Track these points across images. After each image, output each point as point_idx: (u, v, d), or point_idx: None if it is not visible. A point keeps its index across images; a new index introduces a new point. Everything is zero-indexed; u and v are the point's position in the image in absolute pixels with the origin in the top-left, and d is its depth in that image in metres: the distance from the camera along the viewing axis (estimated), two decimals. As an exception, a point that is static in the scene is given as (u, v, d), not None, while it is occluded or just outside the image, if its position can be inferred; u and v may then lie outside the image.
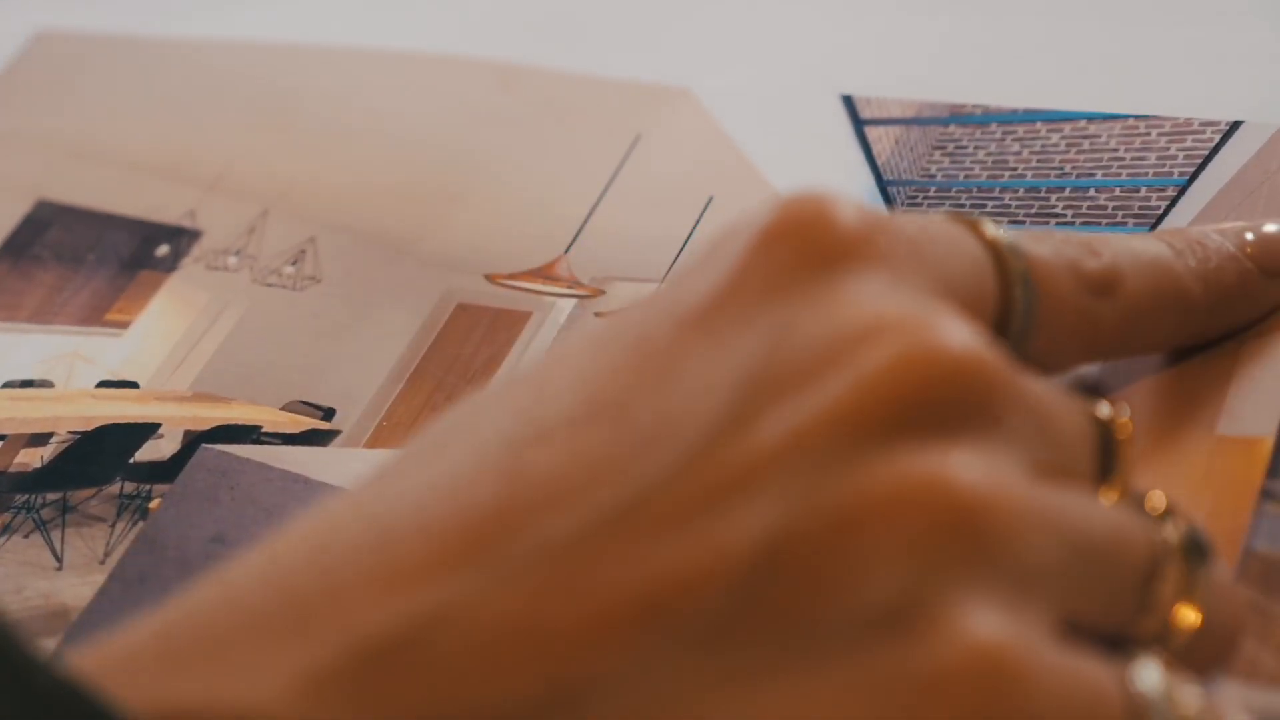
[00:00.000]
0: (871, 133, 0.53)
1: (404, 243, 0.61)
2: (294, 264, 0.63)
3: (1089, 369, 0.25)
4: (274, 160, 0.65)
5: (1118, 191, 0.46)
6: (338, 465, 0.56)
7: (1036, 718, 0.15)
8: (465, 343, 0.58)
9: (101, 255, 0.65)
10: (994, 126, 0.51)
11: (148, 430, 0.57)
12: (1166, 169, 0.45)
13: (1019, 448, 0.17)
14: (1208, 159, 0.44)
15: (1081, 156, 0.48)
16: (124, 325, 0.63)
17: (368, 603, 0.15)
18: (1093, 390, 0.20)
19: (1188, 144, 0.45)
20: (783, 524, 0.15)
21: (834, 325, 0.17)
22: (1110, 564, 0.17)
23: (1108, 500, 0.18)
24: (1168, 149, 0.46)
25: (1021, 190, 0.49)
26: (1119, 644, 0.18)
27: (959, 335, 0.17)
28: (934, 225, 0.20)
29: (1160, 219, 0.44)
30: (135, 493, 0.56)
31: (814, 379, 0.16)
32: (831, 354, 0.16)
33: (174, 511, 0.48)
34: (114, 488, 0.56)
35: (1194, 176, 0.44)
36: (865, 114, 0.52)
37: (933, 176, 0.52)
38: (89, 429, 0.58)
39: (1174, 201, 0.44)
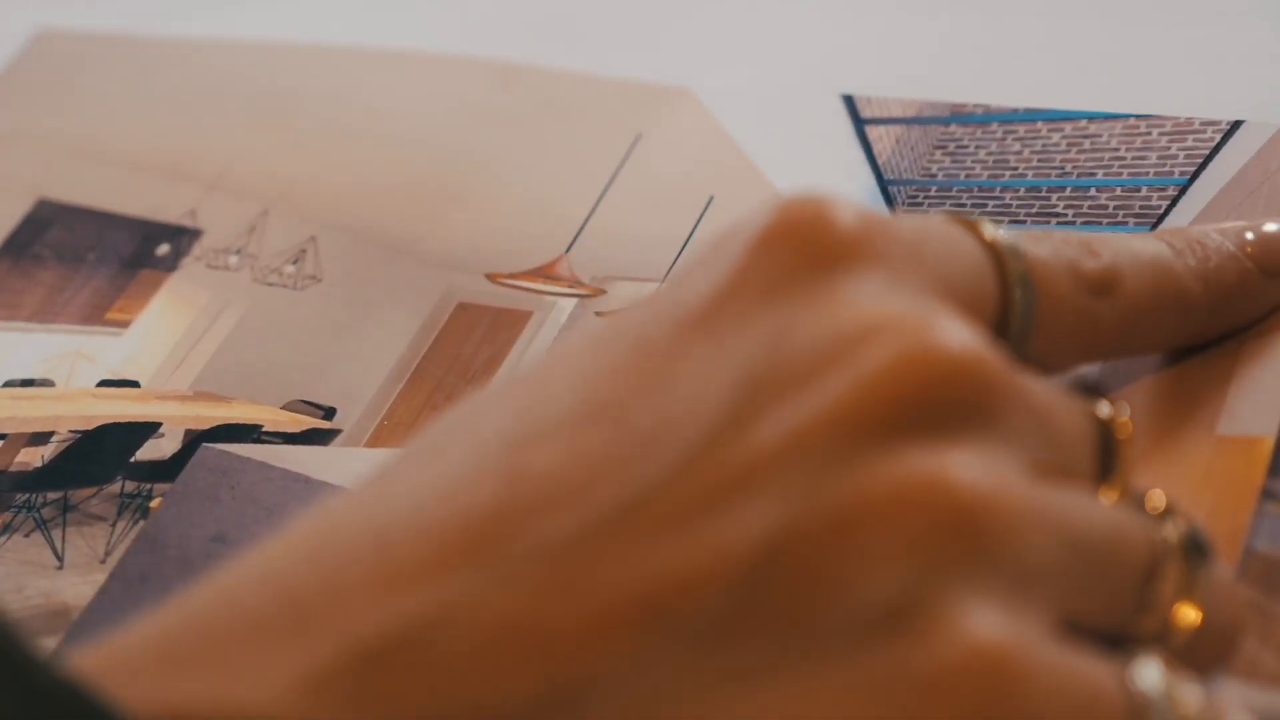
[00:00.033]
0: (872, 132, 0.53)
1: (404, 242, 0.61)
2: (295, 263, 0.63)
3: (1089, 369, 0.25)
4: (274, 160, 0.65)
5: (1119, 191, 0.46)
6: (338, 464, 0.56)
7: (1037, 717, 0.15)
8: (466, 342, 0.58)
9: (102, 254, 0.65)
10: (995, 126, 0.51)
11: (148, 429, 0.57)
12: (1167, 168, 0.45)
13: (1018, 447, 0.17)
14: (1209, 158, 0.44)
15: (1082, 156, 0.48)
16: (125, 324, 0.63)
17: (368, 603, 0.15)
18: (1092, 390, 0.20)
19: (1189, 143, 0.45)
20: (783, 524, 0.15)
21: (833, 325, 0.17)
22: (1110, 563, 0.17)
23: (1108, 500, 0.18)
24: (1169, 148, 0.46)
25: (1022, 190, 0.49)
26: (1119, 643, 0.18)
27: (958, 335, 0.17)
28: (933, 226, 0.20)
29: (1161, 218, 0.44)
30: (136, 492, 0.56)
31: (813, 379, 0.16)
32: (831, 354, 0.16)
33: (175, 511, 0.48)
34: (115, 487, 0.56)
35: (1195, 176, 0.44)
36: (866, 113, 0.52)
37: (934, 176, 0.52)
38: (90, 428, 0.58)
39: (1175, 201, 0.44)
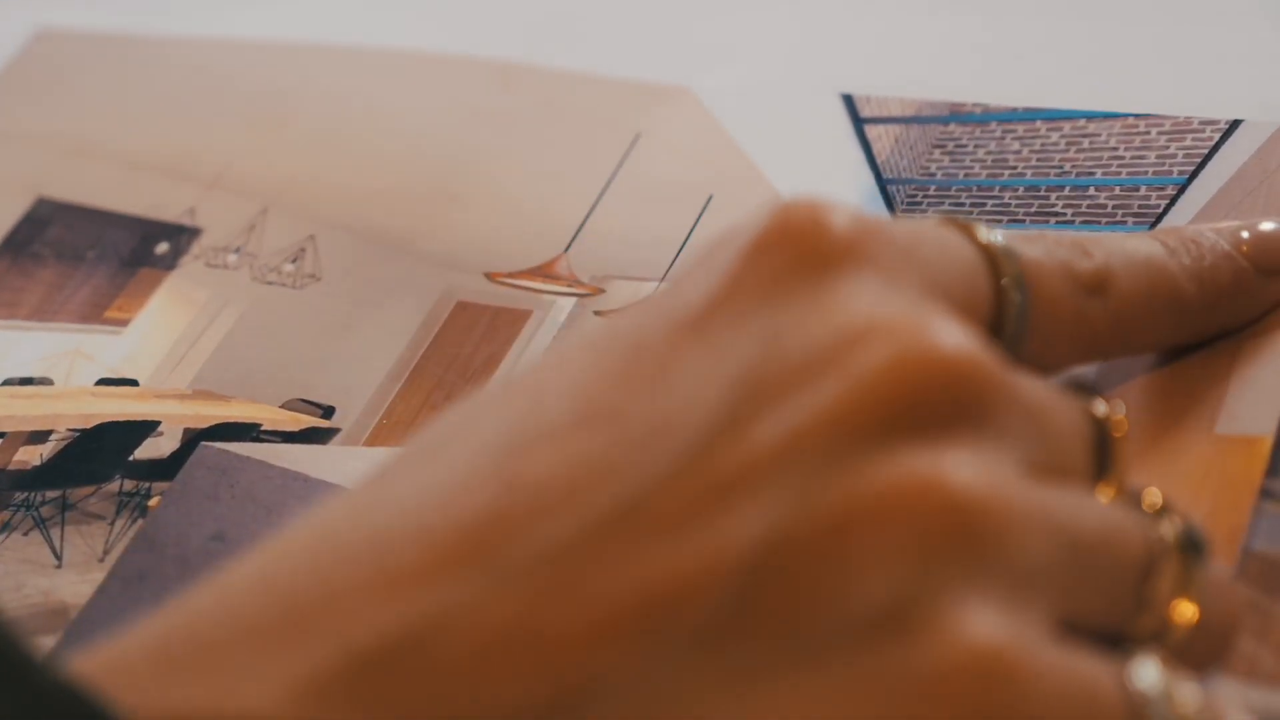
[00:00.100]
0: (871, 131, 0.53)
1: (404, 241, 0.61)
2: (294, 262, 0.63)
3: (1085, 369, 0.25)
4: (274, 158, 0.65)
5: (1117, 190, 0.46)
6: (337, 463, 0.56)
7: (1035, 717, 0.15)
8: (465, 341, 0.58)
9: (101, 253, 0.65)
10: (994, 125, 0.51)
11: (147, 428, 0.57)
12: (1166, 168, 0.45)
13: (1014, 447, 0.17)
14: (1207, 158, 0.44)
15: (1081, 155, 0.48)
16: (124, 323, 0.63)
17: (366, 608, 0.15)
18: (1088, 389, 0.20)
19: (1187, 143, 0.45)
20: (779, 526, 0.15)
21: (828, 328, 0.17)
22: (1107, 562, 0.17)
23: (1104, 498, 0.18)
24: (1167, 148, 0.46)
25: (1021, 189, 0.49)
26: (1117, 642, 0.18)
27: (952, 336, 0.17)
28: (927, 229, 0.20)
29: (1160, 218, 0.44)
30: (135, 490, 0.56)
31: (808, 381, 0.16)
32: (826, 357, 0.16)
33: (174, 509, 0.48)
34: (113, 485, 0.56)
35: (1194, 175, 0.44)
36: (865, 113, 0.52)
37: (932, 175, 0.52)
38: (88, 426, 0.58)
39: (1174, 200, 0.44)
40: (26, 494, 0.55)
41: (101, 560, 0.51)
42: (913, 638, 0.15)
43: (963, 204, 0.51)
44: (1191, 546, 0.18)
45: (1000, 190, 0.50)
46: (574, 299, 0.56)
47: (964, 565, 0.15)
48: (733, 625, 0.15)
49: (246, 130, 0.66)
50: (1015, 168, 0.50)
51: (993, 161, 0.50)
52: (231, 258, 0.63)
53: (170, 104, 0.68)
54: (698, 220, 0.54)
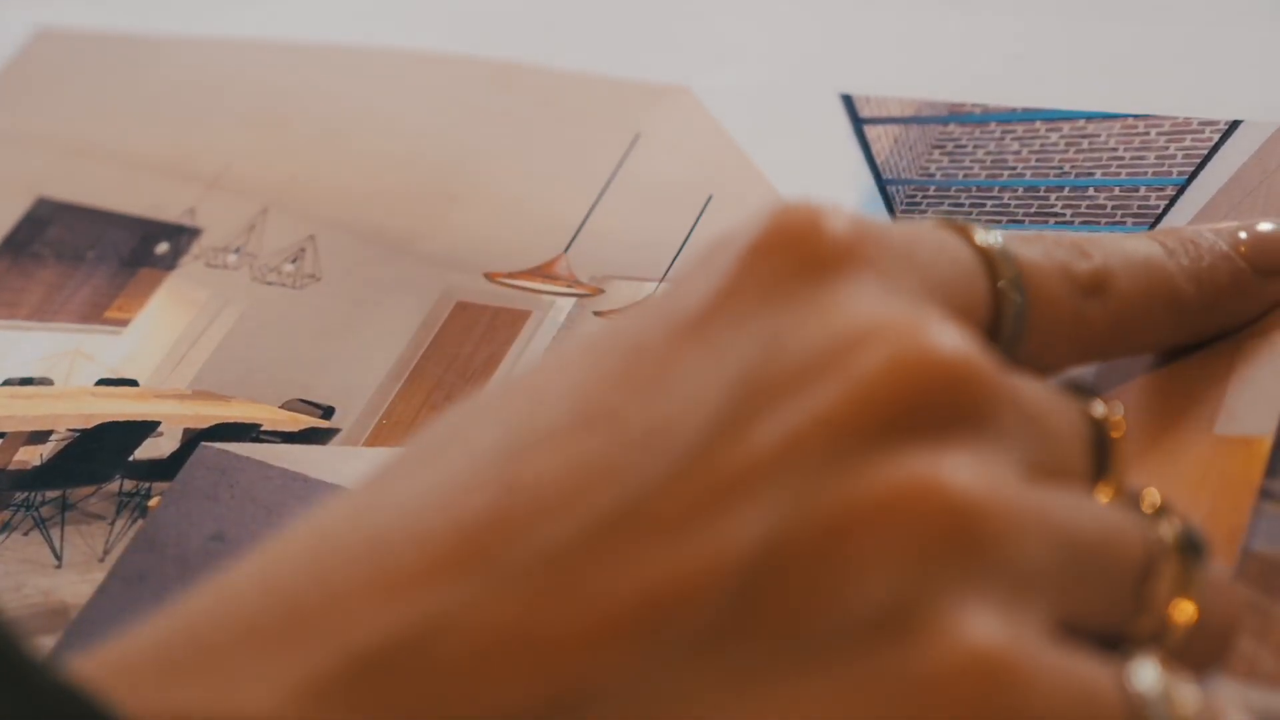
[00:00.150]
0: (870, 131, 0.53)
1: (403, 241, 0.61)
2: (294, 262, 0.63)
3: (1083, 370, 0.25)
4: (273, 158, 0.65)
5: (1117, 191, 0.46)
6: (337, 463, 0.56)
7: (1034, 719, 0.15)
8: (465, 341, 0.58)
9: (101, 253, 0.65)
10: (993, 125, 0.51)
11: (147, 428, 0.57)
12: (1165, 168, 0.45)
13: (1012, 449, 0.17)
14: (1207, 158, 0.44)
15: (1080, 156, 0.48)
16: (124, 323, 0.63)
17: (365, 611, 0.15)
18: (1086, 390, 0.20)
19: (1187, 143, 0.45)
20: (778, 528, 0.15)
21: (826, 331, 0.17)
22: (1105, 563, 0.17)
23: (1103, 499, 0.18)
24: (1167, 148, 0.46)
25: (1020, 189, 0.49)
26: (1116, 644, 0.18)
27: (950, 338, 0.17)
28: (925, 231, 0.20)
29: (1159, 218, 0.44)
30: (135, 490, 0.56)
31: (807, 384, 0.16)
32: (824, 359, 0.16)
33: (173, 509, 0.48)
34: (113, 485, 0.56)
35: (1193, 176, 0.44)
36: (864, 113, 0.52)
37: (932, 175, 0.52)
38: (89, 427, 0.58)
39: (1173, 201, 0.44)
40: (27, 494, 0.55)
41: (101, 560, 0.51)
42: (912, 640, 0.15)
43: (962, 204, 0.51)
44: (1190, 547, 0.18)
45: (999, 191, 0.50)
46: (573, 299, 0.56)
47: (963, 567, 0.15)
48: (732, 627, 0.15)
49: (246, 130, 0.66)
50: (1014, 168, 0.50)
51: (992, 162, 0.51)
52: (231, 258, 0.63)
53: (170, 104, 0.68)
54: (697, 220, 0.54)
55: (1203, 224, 0.25)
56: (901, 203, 0.52)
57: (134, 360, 0.62)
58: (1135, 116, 0.47)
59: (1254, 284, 0.25)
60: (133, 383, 0.61)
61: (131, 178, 0.67)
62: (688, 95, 0.56)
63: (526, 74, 0.59)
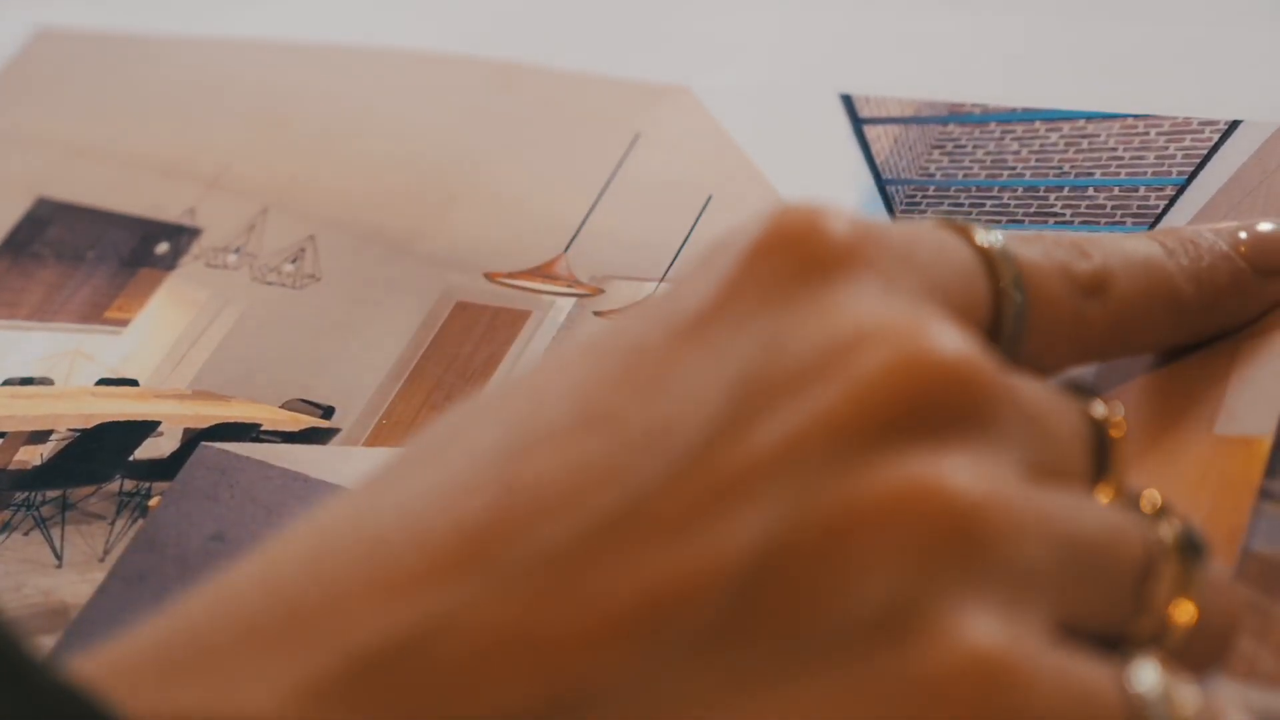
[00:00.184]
0: (870, 132, 0.53)
1: (403, 241, 0.61)
2: (293, 262, 0.63)
3: (1083, 370, 0.25)
4: (273, 158, 0.65)
5: (1116, 191, 0.46)
6: (337, 463, 0.56)
7: None
8: (465, 341, 0.58)
9: (101, 253, 0.65)
10: (993, 125, 0.51)
11: (147, 428, 0.57)
12: (1165, 168, 0.45)
13: (1012, 450, 0.17)
14: (1206, 158, 0.44)
15: (1080, 156, 0.48)
16: (124, 323, 0.63)
17: (365, 612, 0.15)
18: (1086, 390, 0.20)
19: (1186, 143, 0.45)
20: (778, 530, 0.15)
21: (826, 332, 0.17)
22: (1105, 564, 0.17)
23: (1103, 499, 0.18)
24: (1166, 148, 0.46)
25: (1020, 189, 0.49)
26: (1116, 645, 0.18)
27: (950, 339, 0.17)
28: (925, 232, 0.20)
29: (1159, 218, 0.44)
30: (135, 490, 0.56)
31: (807, 385, 0.16)
32: (824, 360, 0.16)
33: (174, 509, 0.48)
34: (114, 485, 0.56)
35: (1193, 176, 0.44)
36: (864, 113, 0.52)
37: (931, 175, 0.52)
38: (89, 426, 0.58)
39: (1173, 201, 0.44)
40: (27, 494, 0.55)
41: (102, 560, 0.51)
42: (912, 641, 0.15)
43: (961, 204, 0.51)
44: (1190, 548, 0.18)
45: (999, 191, 0.50)
46: (573, 299, 0.56)
47: (963, 569, 0.15)
48: (732, 628, 0.15)
49: (246, 130, 0.66)
50: (1014, 168, 0.50)
51: (992, 162, 0.51)
52: (231, 258, 0.63)
53: (170, 104, 0.68)
54: (697, 220, 0.54)
55: (1203, 224, 0.25)
56: (901, 203, 0.52)
57: (134, 360, 0.62)
58: (1135, 116, 0.47)
59: (1254, 284, 0.25)
60: (133, 383, 0.61)
61: (131, 178, 0.67)
62: (688, 95, 0.56)
63: (526, 74, 0.59)
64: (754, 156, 0.54)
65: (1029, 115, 0.50)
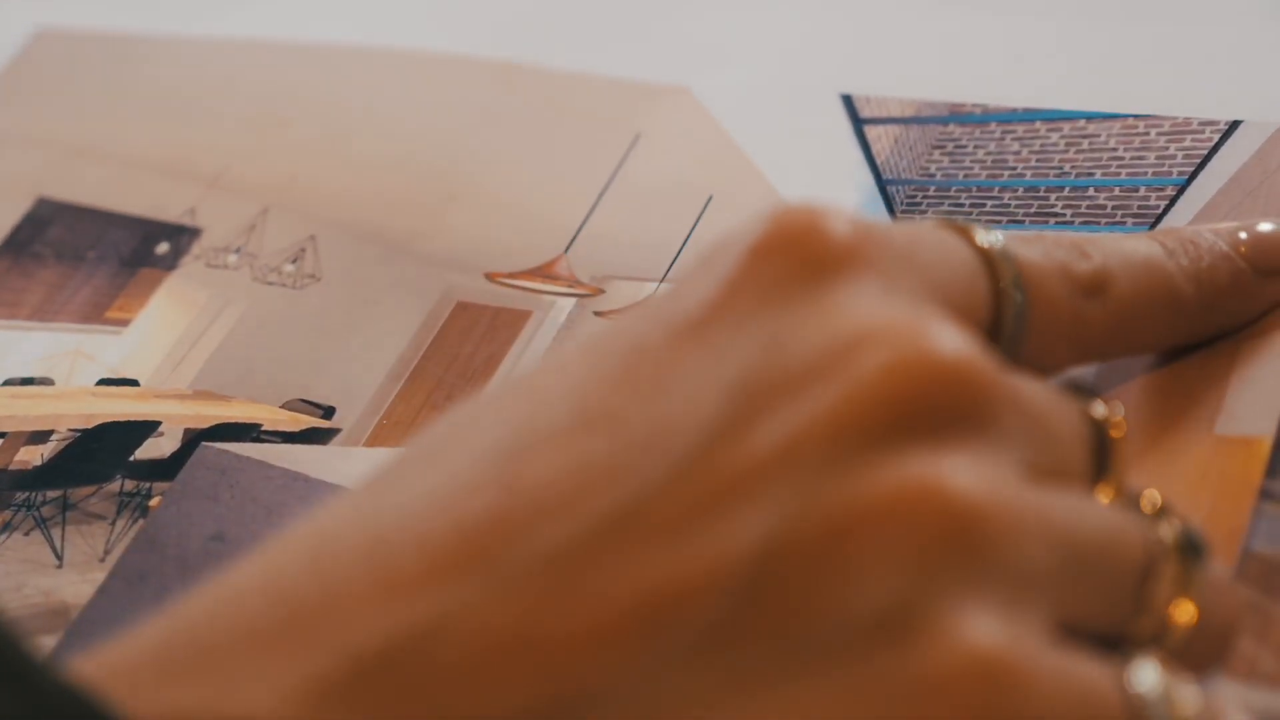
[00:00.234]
0: (870, 132, 0.53)
1: (404, 241, 0.61)
2: (294, 262, 0.63)
3: (1083, 370, 0.25)
4: (274, 159, 0.65)
5: (1117, 191, 0.46)
6: (338, 464, 0.56)
7: None
8: (465, 341, 0.58)
9: (102, 253, 0.65)
10: (993, 126, 0.51)
11: (148, 428, 0.57)
12: (1165, 168, 0.45)
13: (1012, 450, 0.17)
14: (1207, 158, 0.44)
15: (1080, 156, 0.48)
16: (124, 323, 0.63)
17: (366, 613, 0.15)
18: (1086, 391, 0.20)
19: (1187, 143, 0.45)
20: (778, 531, 0.15)
21: (826, 333, 0.17)
22: (1106, 564, 0.17)
23: (1103, 500, 0.19)
24: (1167, 148, 0.46)
25: (1021, 189, 0.49)
26: (1116, 645, 0.18)
27: (950, 340, 0.17)
28: (925, 232, 0.20)
29: (1159, 218, 0.44)
30: (135, 490, 0.56)
31: (807, 386, 0.16)
32: (824, 361, 0.17)
33: (174, 509, 0.48)
34: (114, 485, 0.56)
35: (1193, 176, 0.44)
36: (864, 113, 0.52)
37: (932, 176, 0.52)
38: (89, 426, 0.58)
39: (1173, 201, 0.44)
40: (27, 494, 0.55)
41: (102, 560, 0.51)
42: (912, 641, 0.15)
43: (962, 205, 0.51)
44: (1190, 548, 0.18)
45: (1000, 191, 0.50)
46: (574, 299, 0.56)
47: (963, 569, 0.15)
48: (733, 629, 0.15)
49: (246, 130, 0.66)
50: (1015, 168, 0.50)
51: (992, 162, 0.51)
52: (232, 258, 0.63)
53: (170, 104, 0.68)
54: (697, 221, 0.54)
55: (1203, 224, 0.25)
56: (901, 203, 0.52)
57: (134, 360, 0.62)
58: (1135, 116, 0.47)
59: (1254, 284, 0.25)
60: (133, 383, 0.61)
61: (131, 178, 0.67)
62: (688, 95, 0.56)
63: (526, 74, 0.59)
64: (754, 157, 0.54)
65: (1029, 115, 0.50)
